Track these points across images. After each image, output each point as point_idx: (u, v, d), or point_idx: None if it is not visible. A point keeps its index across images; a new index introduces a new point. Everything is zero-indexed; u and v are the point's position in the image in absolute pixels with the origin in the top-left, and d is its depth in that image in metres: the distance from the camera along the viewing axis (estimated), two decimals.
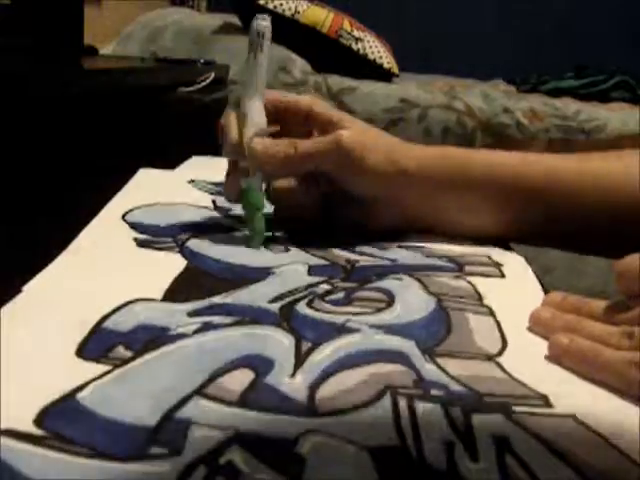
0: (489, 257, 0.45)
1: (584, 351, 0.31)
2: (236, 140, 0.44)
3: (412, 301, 0.35)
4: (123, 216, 0.46)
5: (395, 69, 1.84)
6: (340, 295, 0.35)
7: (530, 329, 0.35)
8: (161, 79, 1.25)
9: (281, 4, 1.72)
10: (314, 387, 0.26)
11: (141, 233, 0.43)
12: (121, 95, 1.05)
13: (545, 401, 0.27)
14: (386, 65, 1.80)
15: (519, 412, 0.26)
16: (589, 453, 0.24)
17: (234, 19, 1.84)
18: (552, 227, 0.49)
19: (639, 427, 0.27)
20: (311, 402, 0.25)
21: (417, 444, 0.23)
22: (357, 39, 1.77)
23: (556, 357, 0.31)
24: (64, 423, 0.22)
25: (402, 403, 0.26)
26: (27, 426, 0.22)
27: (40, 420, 0.22)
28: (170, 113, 1.23)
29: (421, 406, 0.26)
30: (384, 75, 1.79)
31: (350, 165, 0.45)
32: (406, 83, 1.77)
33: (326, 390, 0.26)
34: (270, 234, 0.45)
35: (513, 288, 0.40)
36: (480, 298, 0.37)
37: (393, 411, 0.25)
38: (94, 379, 0.25)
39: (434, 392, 0.27)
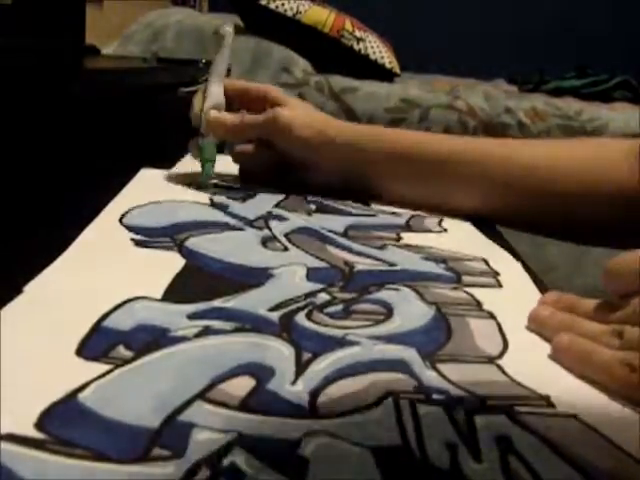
0: (486, 262, 0.45)
1: (581, 350, 0.31)
2: (197, 111, 0.59)
3: (411, 311, 0.35)
4: (120, 219, 0.45)
5: (397, 69, 1.84)
6: (339, 307, 0.35)
7: (528, 327, 0.35)
8: (162, 79, 1.25)
9: (283, 4, 1.72)
10: (315, 393, 0.26)
11: (137, 234, 0.43)
12: (122, 95, 1.05)
13: (547, 402, 0.28)
14: (387, 65, 1.80)
15: (521, 412, 0.26)
16: (592, 453, 0.24)
17: (236, 19, 1.84)
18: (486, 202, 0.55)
19: None
20: (313, 406, 0.25)
21: (420, 445, 0.23)
22: (359, 39, 1.77)
23: (557, 356, 0.32)
24: (65, 425, 0.22)
25: (404, 406, 0.26)
26: (28, 430, 0.22)
27: (41, 423, 0.22)
28: (171, 113, 1.23)
29: (423, 408, 0.26)
30: (385, 75, 1.79)
31: (281, 134, 0.57)
32: (407, 83, 1.77)
33: (327, 395, 0.26)
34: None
35: (511, 296, 0.40)
36: (479, 304, 0.38)
37: (395, 413, 0.25)
38: (95, 379, 0.25)
39: (436, 397, 0.27)
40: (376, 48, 1.79)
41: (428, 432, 0.24)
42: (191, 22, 1.79)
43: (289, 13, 1.73)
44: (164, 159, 0.66)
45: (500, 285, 0.41)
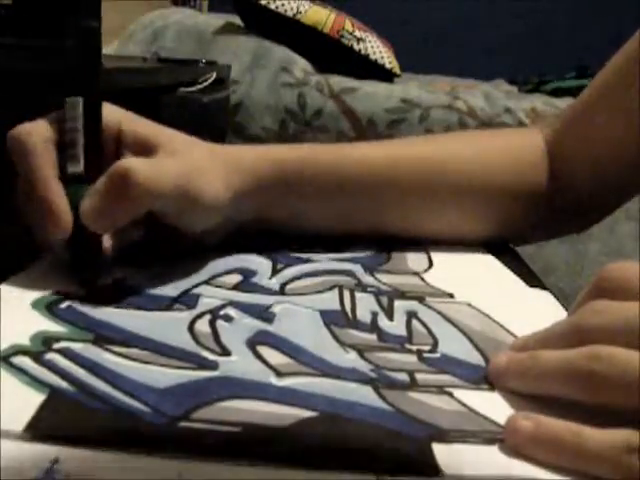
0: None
1: (558, 438, 0.25)
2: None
3: (361, 246, 0.48)
4: None
5: (397, 69, 1.86)
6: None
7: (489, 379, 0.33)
8: (163, 79, 1.25)
9: (283, 4, 1.73)
10: (285, 284, 0.40)
11: None
12: (122, 95, 1.05)
13: (450, 296, 0.40)
14: (388, 65, 1.82)
15: (429, 300, 0.39)
16: (480, 326, 0.36)
17: (236, 19, 1.85)
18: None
19: None
20: (282, 290, 0.39)
21: (352, 311, 0.37)
22: (359, 39, 1.78)
23: (518, 447, 0.26)
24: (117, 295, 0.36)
25: (346, 292, 0.39)
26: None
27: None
28: (171, 113, 1.23)
29: (359, 294, 0.39)
30: (386, 75, 1.81)
31: (192, 203, 0.39)
32: (408, 83, 1.79)
33: (293, 285, 0.40)
34: None
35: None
36: (418, 243, 0.50)
37: (339, 295, 0.39)
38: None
39: (369, 289, 0.40)
40: (376, 48, 1.80)
41: (359, 305, 0.37)
42: (191, 22, 1.80)
43: (289, 13, 1.74)
44: None
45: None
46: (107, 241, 0.38)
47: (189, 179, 0.38)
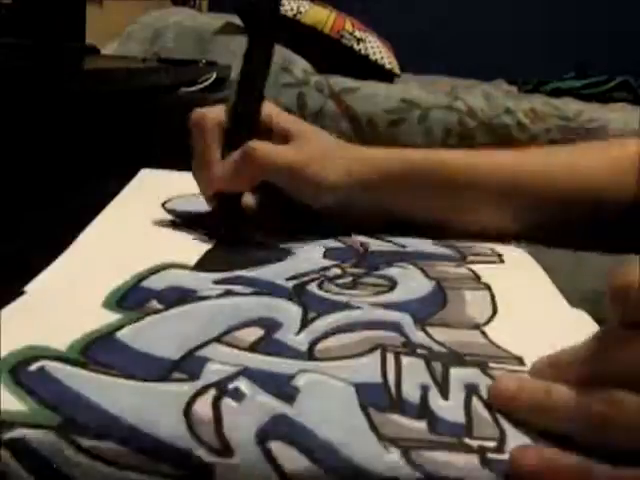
0: (492, 249, 0.48)
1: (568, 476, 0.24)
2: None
3: (412, 284, 0.40)
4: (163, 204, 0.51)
5: (396, 70, 1.85)
6: (348, 280, 0.40)
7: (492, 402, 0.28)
8: (163, 79, 1.25)
9: (283, 4, 1.72)
10: (315, 342, 0.31)
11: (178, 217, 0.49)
12: (122, 95, 1.05)
13: (519, 362, 0.31)
14: (387, 66, 1.81)
15: (493, 367, 0.30)
16: None
17: (236, 19, 1.84)
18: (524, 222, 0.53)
19: None
20: (311, 351, 0.30)
21: (397, 384, 0.28)
22: (359, 40, 1.77)
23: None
24: (105, 352, 0.28)
25: (390, 356, 0.31)
26: (75, 355, 0.27)
27: (85, 350, 0.28)
28: (171, 113, 1.23)
29: (406, 359, 0.30)
30: (386, 75, 1.80)
31: (307, 182, 0.47)
32: (407, 83, 1.78)
33: (325, 345, 0.31)
34: None
35: (511, 270, 0.44)
36: (478, 278, 0.42)
37: (381, 359, 0.30)
38: (130, 322, 0.31)
39: (419, 351, 0.31)
40: (376, 48, 1.80)
41: (406, 376, 0.29)
42: (191, 22, 1.80)
43: (289, 13, 1.74)
44: (165, 159, 0.66)
45: (502, 261, 0.45)
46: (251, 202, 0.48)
47: (308, 163, 0.46)
